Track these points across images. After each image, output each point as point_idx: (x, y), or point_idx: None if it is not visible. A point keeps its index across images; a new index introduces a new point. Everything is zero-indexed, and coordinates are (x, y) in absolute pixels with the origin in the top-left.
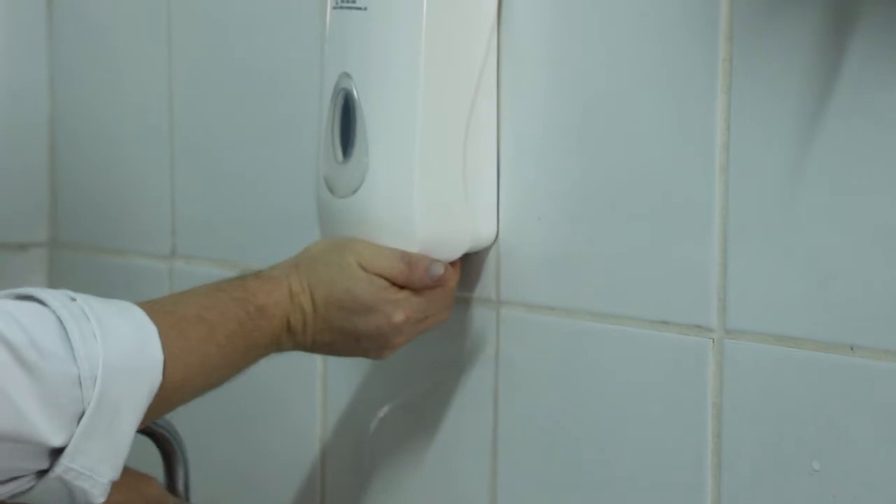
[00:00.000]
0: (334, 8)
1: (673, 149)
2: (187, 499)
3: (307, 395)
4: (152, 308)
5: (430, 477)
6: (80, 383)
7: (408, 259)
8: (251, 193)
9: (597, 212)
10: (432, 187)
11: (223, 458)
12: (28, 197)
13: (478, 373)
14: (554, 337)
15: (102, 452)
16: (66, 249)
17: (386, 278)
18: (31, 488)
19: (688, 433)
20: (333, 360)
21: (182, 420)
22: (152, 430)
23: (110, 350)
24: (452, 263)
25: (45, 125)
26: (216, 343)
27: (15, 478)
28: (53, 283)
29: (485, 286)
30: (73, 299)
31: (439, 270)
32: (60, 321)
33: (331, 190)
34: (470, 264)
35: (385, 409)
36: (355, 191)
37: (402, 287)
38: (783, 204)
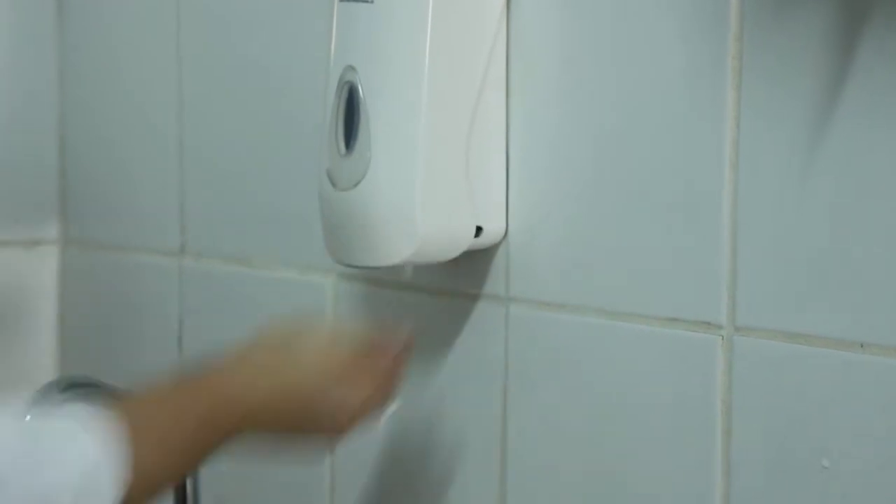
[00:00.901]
0: (341, 1)
1: (683, 145)
2: (196, 500)
3: None
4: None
5: (438, 476)
6: None
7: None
8: (260, 190)
9: (607, 208)
10: (435, 182)
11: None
12: (38, 194)
13: (486, 370)
14: (563, 334)
15: None
16: (77, 246)
17: (339, 358)
18: None
19: (697, 431)
20: None
21: None
22: None
23: (62, 479)
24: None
25: (55, 124)
26: (174, 467)
27: None
28: (64, 281)
29: (493, 283)
30: None
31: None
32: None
33: (332, 182)
34: (478, 261)
35: (393, 406)
36: (357, 184)
37: (355, 367)
38: (793, 201)
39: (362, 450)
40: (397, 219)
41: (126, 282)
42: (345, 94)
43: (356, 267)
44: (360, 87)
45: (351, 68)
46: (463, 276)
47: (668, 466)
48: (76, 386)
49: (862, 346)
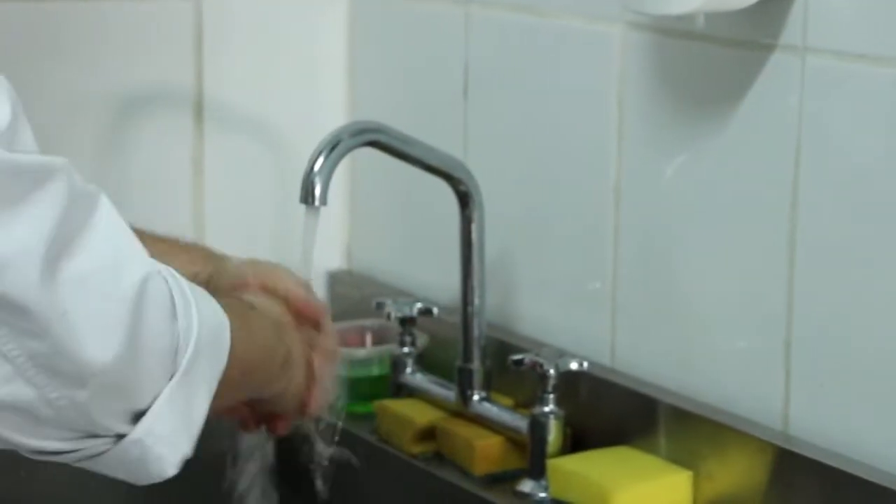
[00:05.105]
0: None
1: None
2: (481, 245)
3: (603, 141)
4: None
5: (727, 226)
6: (176, 351)
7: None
8: None
9: None
10: None
11: (517, 203)
12: None
13: (779, 125)
14: (864, 87)
15: (181, 422)
16: None
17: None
18: (103, 452)
19: None
20: (647, 103)
21: (478, 165)
22: (449, 174)
23: (202, 325)
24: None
25: None
26: (259, 369)
27: (92, 436)
28: (353, 28)
29: (790, 32)
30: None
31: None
32: (170, 289)
33: None
34: (774, 9)
35: (682, 158)
36: None
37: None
38: None
39: (647, 201)
40: None
41: (413, 29)
42: None
43: (646, 15)
44: None
45: None
46: (757, 26)
47: None
48: (365, 131)
49: None
